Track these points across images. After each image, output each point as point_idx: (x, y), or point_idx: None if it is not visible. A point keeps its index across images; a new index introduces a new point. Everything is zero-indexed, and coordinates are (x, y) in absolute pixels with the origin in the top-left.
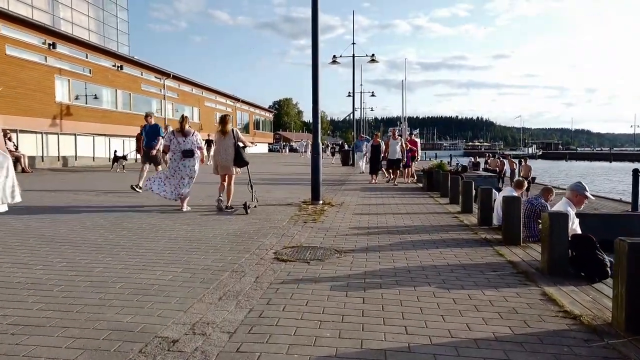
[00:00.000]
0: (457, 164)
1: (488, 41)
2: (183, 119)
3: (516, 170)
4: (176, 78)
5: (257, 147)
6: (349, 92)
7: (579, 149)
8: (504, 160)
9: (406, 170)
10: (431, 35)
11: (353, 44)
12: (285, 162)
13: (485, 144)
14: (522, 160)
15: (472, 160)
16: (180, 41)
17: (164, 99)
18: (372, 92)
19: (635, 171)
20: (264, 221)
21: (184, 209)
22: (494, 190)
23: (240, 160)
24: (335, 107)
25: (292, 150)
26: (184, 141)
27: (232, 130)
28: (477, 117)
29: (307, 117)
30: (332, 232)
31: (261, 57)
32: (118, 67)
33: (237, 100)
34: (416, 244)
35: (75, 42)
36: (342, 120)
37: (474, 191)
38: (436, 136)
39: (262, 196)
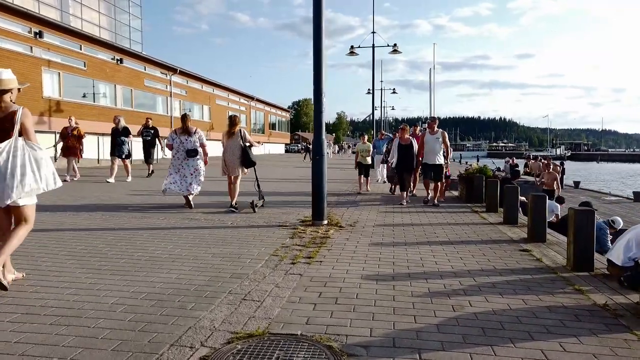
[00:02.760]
0: (487, 166)
1: (511, 40)
2: (185, 117)
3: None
4: (184, 74)
5: (273, 148)
6: (369, 89)
7: (610, 150)
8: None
9: (446, 181)
10: (453, 35)
11: (373, 32)
12: (298, 164)
13: (509, 144)
14: (551, 165)
15: (510, 161)
16: (201, 43)
17: (171, 96)
18: (394, 89)
19: None
20: (228, 260)
21: (192, 195)
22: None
23: (247, 160)
24: (355, 108)
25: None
26: (187, 140)
27: (240, 130)
28: (500, 118)
29: (327, 117)
30: (332, 289)
31: (281, 58)
32: (117, 60)
33: (252, 98)
34: (487, 326)
35: (67, 32)
36: (362, 121)
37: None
38: (459, 137)
39: (250, 213)
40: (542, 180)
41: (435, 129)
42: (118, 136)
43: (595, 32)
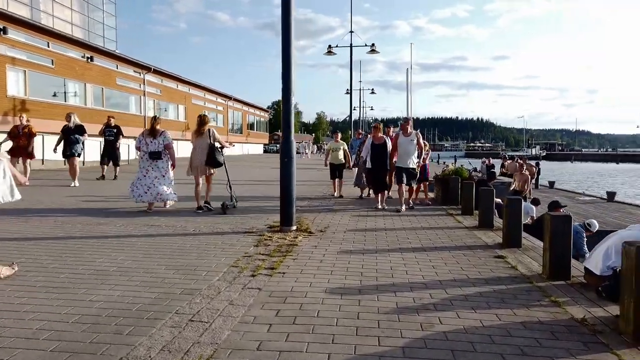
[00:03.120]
0: (463, 166)
1: (488, 42)
2: (155, 119)
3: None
4: (158, 73)
5: (251, 148)
6: (347, 89)
7: (583, 150)
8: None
9: (424, 185)
10: (431, 37)
11: (351, 32)
12: (275, 165)
13: (486, 144)
14: (524, 166)
15: (487, 162)
16: (180, 42)
17: (144, 95)
18: (372, 89)
19: None
20: (182, 273)
21: (167, 206)
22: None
23: (212, 161)
24: (335, 109)
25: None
26: (151, 142)
27: (209, 130)
28: (478, 118)
29: (307, 117)
30: (292, 306)
31: (261, 58)
32: (88, 58)
33: (229, 98)
34: (457, 347)
35: (33, 28)
36: (342, 121)
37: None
38: (437, 137)
39: (216, 218)
40: (514, 181)
41: (409, 130)
42: (71, 134)
43: (570, 35)
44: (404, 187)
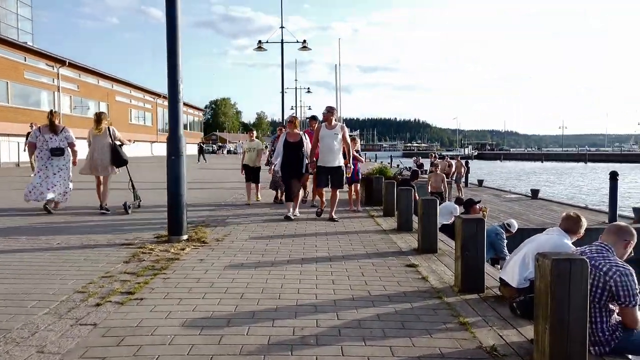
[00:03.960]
0: (399, 165)
1: (425, 45)
2: (52, 113)
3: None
4: (75, 67)
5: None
6: (282, 88)
7: (511, 149)
8: (452, 161)
9: (353, 187)
10: (371, 39)
11: (282, 27)
12: (202, 166)
13: (422, 144)
14: (439, 165)
15: (416, 161)
16: (111, 37)
17: (59, 90)
18: (308, 89)
19: (613, 174)
20: (3, 304)
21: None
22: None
23: (118, 159)
24: (277, 109)
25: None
26: (52, 139)
27: (108, 128)
28: (415, 119)
29: (246, 117)
30: (126, 349)
31: (198, 56)
32: None
33: (159, 96)
34: None
35: None
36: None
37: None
38: (376, 137)
39: (96, 227)
40: (429, 181)
41: (334, 122)
42: None
43: (500, 41)
44: (330, 190)
